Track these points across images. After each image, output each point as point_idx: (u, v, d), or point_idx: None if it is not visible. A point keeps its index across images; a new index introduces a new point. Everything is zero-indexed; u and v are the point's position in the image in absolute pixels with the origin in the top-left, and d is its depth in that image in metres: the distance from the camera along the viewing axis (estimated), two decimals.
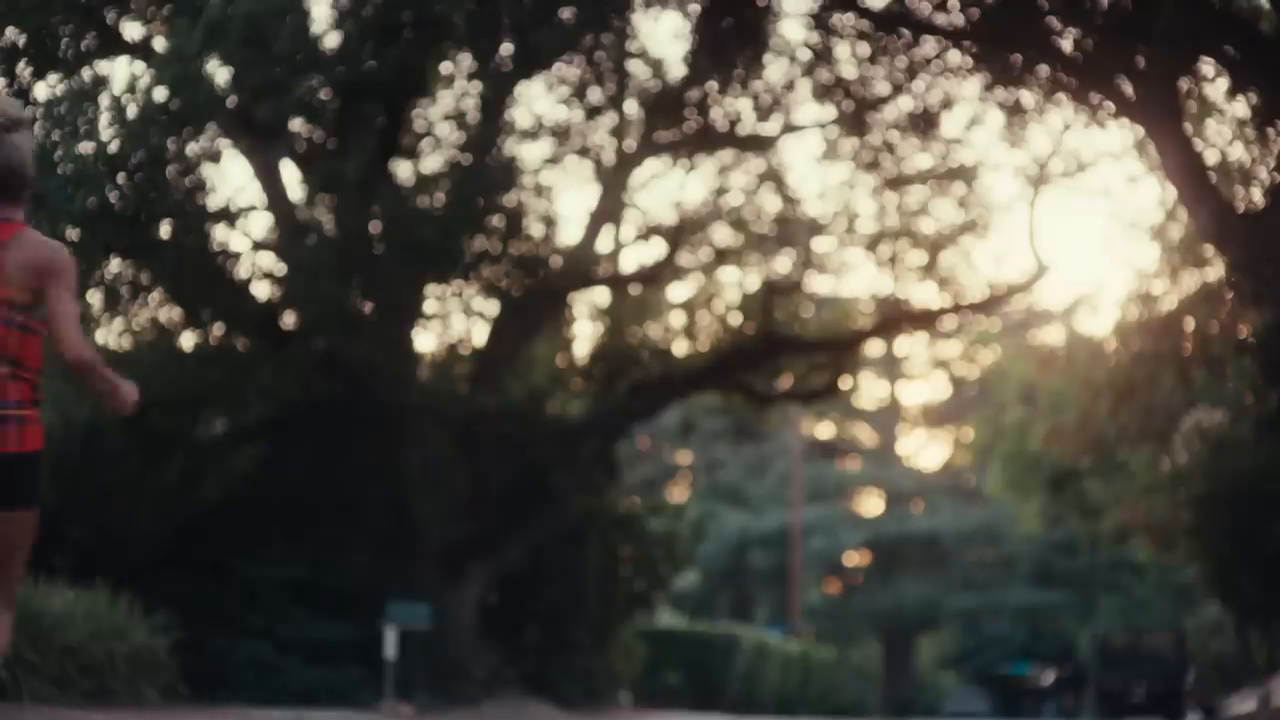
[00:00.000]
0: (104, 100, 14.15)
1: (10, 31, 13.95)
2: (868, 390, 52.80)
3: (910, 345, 42.98)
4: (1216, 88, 19.29)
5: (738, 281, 27.63)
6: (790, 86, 23.08)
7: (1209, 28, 17.08)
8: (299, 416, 21.10)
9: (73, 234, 14.26)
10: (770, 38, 21.52)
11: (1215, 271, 23.68)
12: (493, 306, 23.88)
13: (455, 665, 22.01)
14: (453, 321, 24.22)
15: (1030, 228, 25.28)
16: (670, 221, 25.79)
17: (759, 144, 24.85)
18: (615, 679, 28.66)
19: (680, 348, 27.81)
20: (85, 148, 13.75)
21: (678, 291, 28.07)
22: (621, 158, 24.73)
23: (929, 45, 19.79)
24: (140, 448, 19.35)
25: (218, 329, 20.27)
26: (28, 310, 4.87)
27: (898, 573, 53.55)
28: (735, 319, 27.29)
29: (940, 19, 18.71)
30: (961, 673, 52.52)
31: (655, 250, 26.48)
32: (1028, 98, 20.25)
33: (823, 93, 22.55)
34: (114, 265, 16.91)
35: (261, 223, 22.17)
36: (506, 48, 20.22)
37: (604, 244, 26.24)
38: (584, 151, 24.76)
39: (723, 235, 26.34)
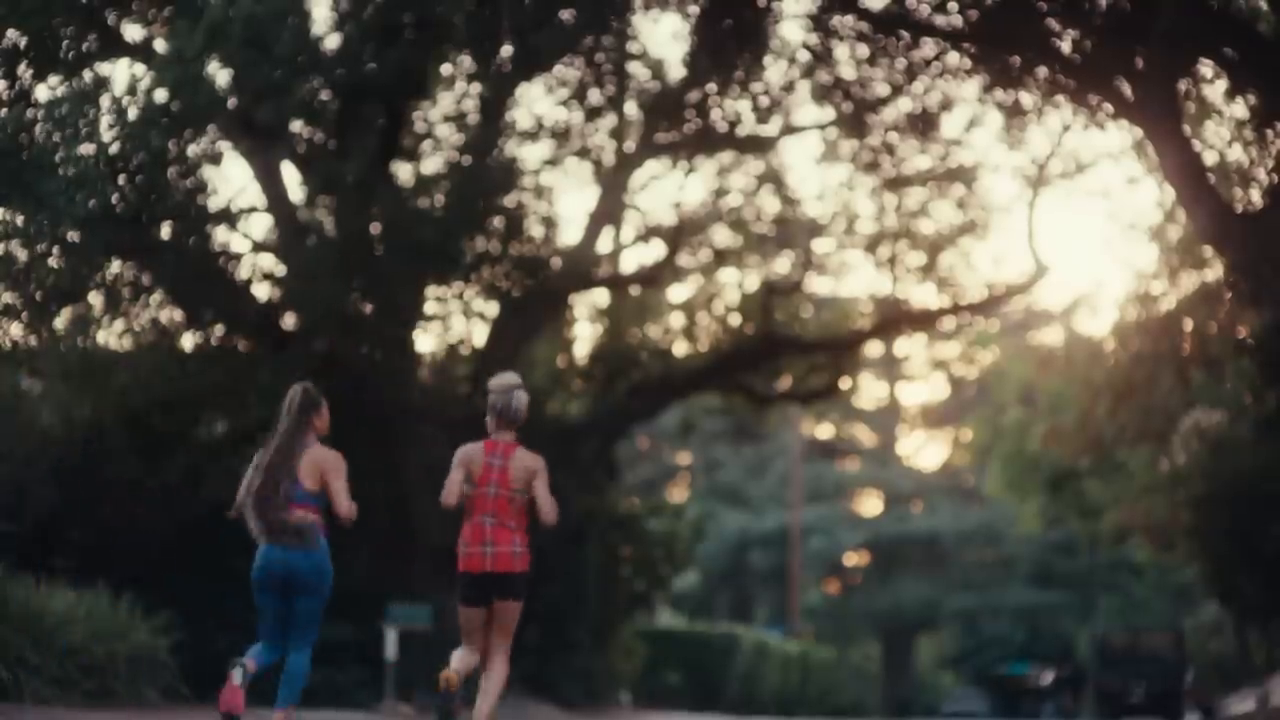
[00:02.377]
0: (105, 102, 14.13)
1: (11, 33, 13.94)
2: (867, 391, 52.87)
3: (910, 346, 42.99)
4: (1215, 89, 19.32)
5: (737, 282, 27.70)
6: (790, 88, 23.11)
7: (1208, 29, 17.11)
8: None
9: (74, 235, 14.28)
10: (770, 39, 21.53)
11: (1214, 272, 23.71)
12: (493, 307, 23.87)
13: None
14: (453, 322, 24.21)
15: (1029, 229, 25.39)
16: (670, 222, 25.82)
17: (759, 145, 24.88)
18: (615, 679, 28.68)
19: (680, 348, 27.85)
20: (86, 149, 13.73)
21: (677, 292, 28.14)
22: (621, 159, 24.74)
23: (928, 47, 19.81)
24: (140, 448, 19.36)
25: (218, 330, 20.28)
26: (522, 494, 8.34)
27: (897, 573, 53.54)
28: (735, 320, 27.33)
29: (939, 20, 18.74)
30: (961, 673, 52.53)
31: (655, 251, 26.54)
32: (1027, 99, 20.28)
33: (822, 94, 22.59)
34: (115, 266, 16.93)
35: (262, 224, 22.21)
36: (507, 49, 20.22)
37: (604, 245, 26.26)
38: (584, 153, 24.77)
39: (722, 236, 26.38)
